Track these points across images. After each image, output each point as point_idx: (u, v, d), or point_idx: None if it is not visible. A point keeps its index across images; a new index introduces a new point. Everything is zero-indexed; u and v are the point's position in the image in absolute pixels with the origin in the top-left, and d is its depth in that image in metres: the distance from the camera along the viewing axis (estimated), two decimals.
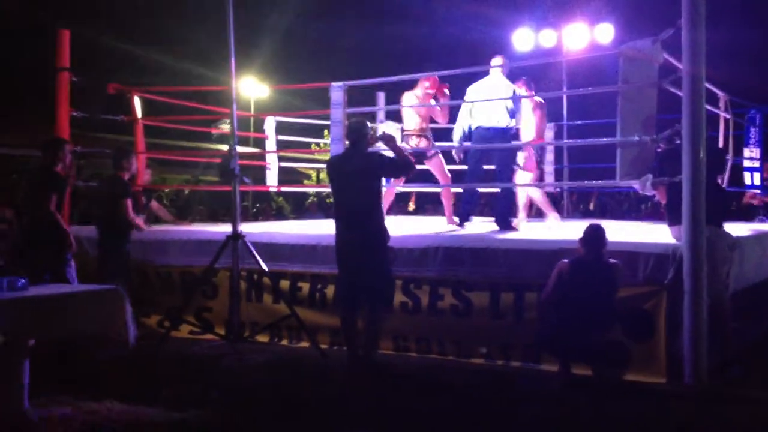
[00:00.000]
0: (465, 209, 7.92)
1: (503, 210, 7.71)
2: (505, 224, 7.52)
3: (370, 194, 5.71)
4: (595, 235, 5.41)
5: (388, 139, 6.02)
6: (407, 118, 8.07)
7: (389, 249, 5.80)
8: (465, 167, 8.15)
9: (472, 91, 7.70)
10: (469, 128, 7.73)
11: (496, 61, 7.70)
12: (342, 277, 5.85)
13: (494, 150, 7.61)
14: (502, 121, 7.47)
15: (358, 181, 5.69)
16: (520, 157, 7.96)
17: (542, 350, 5.60)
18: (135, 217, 6.88)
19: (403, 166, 5.87)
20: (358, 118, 6.21)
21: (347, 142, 6.08)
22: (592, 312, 5.19)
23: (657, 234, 6.12)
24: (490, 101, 7.47)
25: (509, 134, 7.62)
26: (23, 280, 4.29)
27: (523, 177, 8.03)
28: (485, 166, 7.91)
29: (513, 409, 4.76)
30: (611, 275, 5.30)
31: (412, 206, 16.35)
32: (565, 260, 5.45)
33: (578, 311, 5.21)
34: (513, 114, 7.55)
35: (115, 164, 6.85)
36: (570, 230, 6.64)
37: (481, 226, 7.96)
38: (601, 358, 5.22)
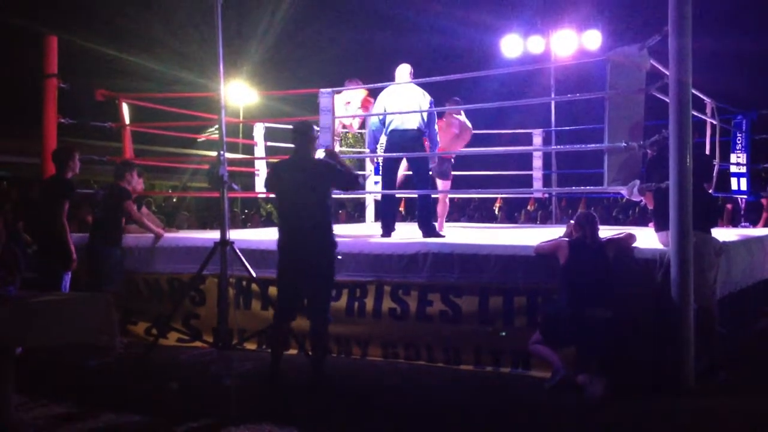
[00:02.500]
0: (387, 218, 7.61)
1: (425, 216, 7.52)
2: (430, 230, 7.37)
3: (323, 202, 5.56)
4: (587, 219, 5.63)
5: (332, 154, 6.02)
6: None
7: (336, 259, 5.68)
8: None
9: (385, 96, 7.63)
10: (380, 133, 7.70)
11: (405, 68, 7.68)
12: (285, 285, 5.63)
13: (409, 156, 7.53)
14: (416, 124, 7.44)
15: (310, 189, 5.52)
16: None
17: (545, 336, 5.45)
18: (145, 220, 7.16)
19: (354, 179, 5.75)
20: (304, 121, 6.06)
21: (292, 146, 5.84)
22: (593, 291, 5.29)
23: (644, 239, 6.14)
24: (405, 105, 7.45)
25: (422, 137, 7.54)
26: (10, 287, 4.27)
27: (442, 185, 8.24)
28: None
29: (502, 412, 4.78)
30: (607, 255, 5.47)
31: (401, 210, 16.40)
32: (565, 239, 5.61)
33: (581, 290, 5.31)
34: (429, 117, 7.52)
35: (118, 175, 6.99)
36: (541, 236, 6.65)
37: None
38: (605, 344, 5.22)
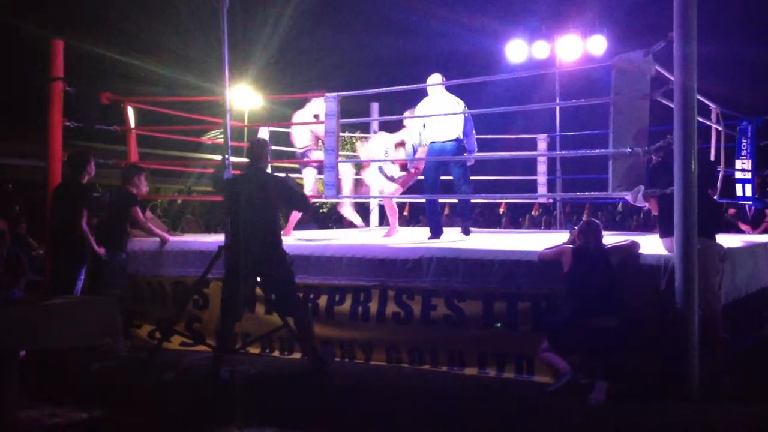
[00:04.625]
0: (435, 222, 7.81)
1: (467, 219, 7.87)
2: (468, 233, 7.71)
3: (273, 214, 6.10)
4: (591, 227, 5.62)
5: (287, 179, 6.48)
6: (300, 136, 8.53)
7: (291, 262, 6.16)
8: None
9: (422, 108, 7.78)
10: (419, 146, 7.87)
11: (437, 78, 7.78)
12: (230, 287, 5.93)
13: (452, 164, 7.66)
14: (454, 134, 7.58)
15: (263, 203, 5.93)
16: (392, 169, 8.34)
17: (552, 343, 5.45)
18: (150, 225, 7.20)
19: (308, 202, 6.37)
20: (259, 138, 6.69)
21: (248, 160, 6.30)
22: (597, 298, 5.27)
23: (649, 245, 6.14)
24: (443, 118, 7.58)
25: (462, 146, 7.69)
26: (15, 291, 4.27)
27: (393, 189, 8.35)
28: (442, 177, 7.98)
29: (505, 416, 4.78)
30: (610, 262, 5.45)
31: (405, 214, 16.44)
32: (569, 246, 5.60)
33: (584, 298, 5.30)
34: (466, 124, 7.66)
35: (126, 179, 7.03)
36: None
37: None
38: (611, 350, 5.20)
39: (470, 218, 7.89)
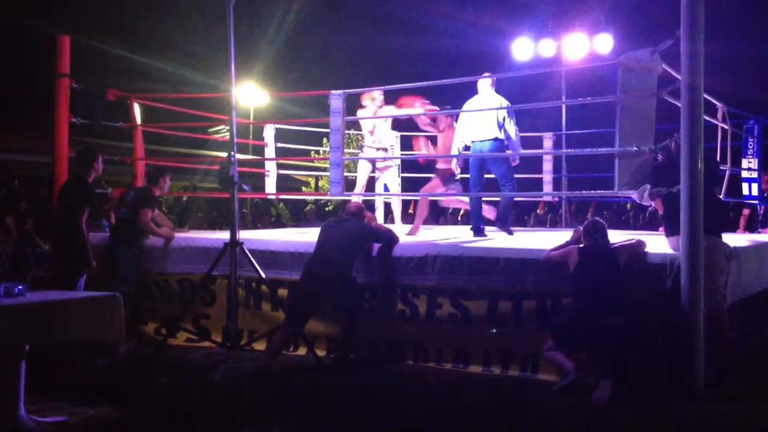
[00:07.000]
0: (477, 220, 7.95)
1: (503, 216, 8.04)
2: (505, 228, 7.91)
3: (352, 250, 6.26)
4: (596, 226, 5.61)
5: None
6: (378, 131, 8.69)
7: None
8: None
9: (467, 107, 7.85)
10: (463, 148, 7.96)
11: (485, 81, 7.80)
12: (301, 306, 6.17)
13: (494, 162, 7.74)
14: (493, 134, 7.62)
15: (345, 241, 6.22)
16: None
17: (556, 342, 5.44)
18: (153, 226, 7.18)
19: (393, 239, 6.48)
20: (360, 204, 6.86)
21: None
22: (603, 297, 5.26)
23: (655, 244, 6.13)
24: (481, 117, 7.64)
25: (503, 145, 7.71)
26: (20, 286, 4.28)
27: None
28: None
29: (509, 415, 4.78)
30: (617, 261, 5.44)
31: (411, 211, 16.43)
32: (574, 246, 5.62)
33: (590, 297, 5.30)
34: (501, 126, 7.66)
35: (152, 179, 7.21)
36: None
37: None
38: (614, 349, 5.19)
39: (508, 218, 8.04)
